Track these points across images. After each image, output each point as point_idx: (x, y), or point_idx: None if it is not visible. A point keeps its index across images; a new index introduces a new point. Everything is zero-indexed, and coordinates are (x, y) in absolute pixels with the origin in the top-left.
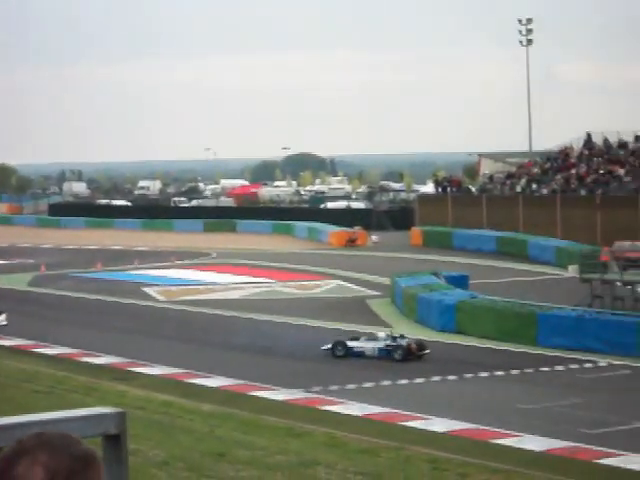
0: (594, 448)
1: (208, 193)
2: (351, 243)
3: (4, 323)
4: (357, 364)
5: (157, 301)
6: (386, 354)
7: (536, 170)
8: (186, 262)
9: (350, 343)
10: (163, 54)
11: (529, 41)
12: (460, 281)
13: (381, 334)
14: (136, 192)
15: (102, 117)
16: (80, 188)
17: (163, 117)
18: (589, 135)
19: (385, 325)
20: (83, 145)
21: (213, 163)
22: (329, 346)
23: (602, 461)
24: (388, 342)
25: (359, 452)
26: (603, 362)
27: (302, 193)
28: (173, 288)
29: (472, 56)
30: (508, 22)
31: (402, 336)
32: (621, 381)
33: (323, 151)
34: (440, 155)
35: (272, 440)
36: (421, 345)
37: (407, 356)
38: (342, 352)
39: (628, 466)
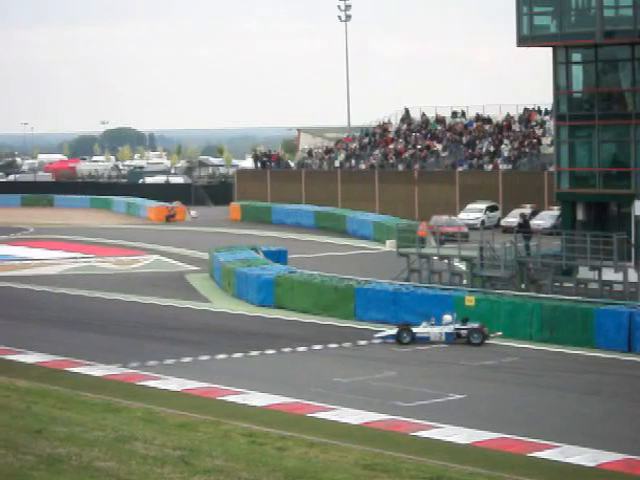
0: (410, 420)
1: (26, 168)
2: (170, 218)
3: None
4: (177, 339)
5: None
6: (454, 338)
7: (354, 145)
8: (3, 237)
9: (415, 329)
10: None
11: (348, 17)
12: (279, 256)
13: (447, 317)
14: None
15: None
16: None
17: None
18: (407, 110)
19: (204, 300)
20: None
21: (30, 137)
22: (391, 333)
23: (418, 433)
24: (457, 325)
25: (177, 427)
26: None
27: (121, 168)
28: None
29: (291, 31)
30: None
31: (466, 319)
32: (437, 355)
33: (142, 126)
34: (259, 130)
35: (90, 416)
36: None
37: (484, 339)
38: (408, 339)
39: (444, 438)
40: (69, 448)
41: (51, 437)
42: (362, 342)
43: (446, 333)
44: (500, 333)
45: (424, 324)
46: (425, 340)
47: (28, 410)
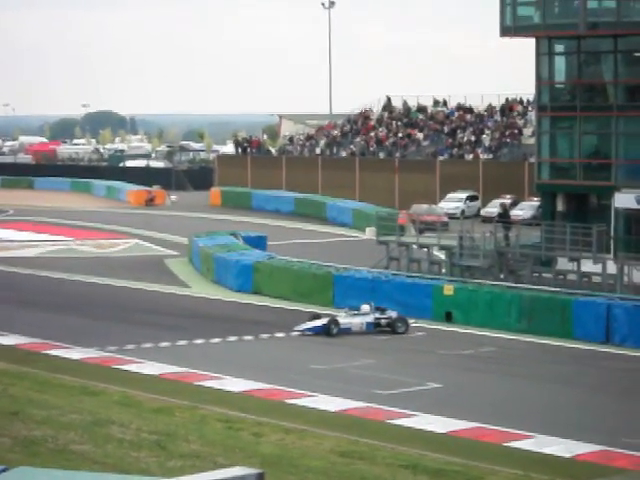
0: (387, 408)
1: (6, 150)
2: (149, 202)
3: None
4: (155, 323)
5: None
6: (374, 327)
7: (336, 132)
8: None
9: (339, 320)
10: None
11: (331, 3)
12: (258, 242)
13: (365, 307)
14: None
15: None
16: None
17: None
18: (389, 98)
19: (183, 285)
20: None
21: (11, 119)
22: (317, 324)
23: (395, 421)
24: (377, 315)
25: (153, 411)
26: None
27: (101, 151)
28: None
29: (273, 16)
30: None
31: (384, 309)
32: (415, 343)
33: (123, 109)
34: (240, 116)
35: (66, 399)
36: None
37: (407, 328)
38: (336, 330)
39: (421, 426)
40: (45, 431)
41: (27, 419)
42: None
43: (367, 323)
44: (413, 321)
45: (343, 315)
46: (347, 331)
47: (5, 392)
